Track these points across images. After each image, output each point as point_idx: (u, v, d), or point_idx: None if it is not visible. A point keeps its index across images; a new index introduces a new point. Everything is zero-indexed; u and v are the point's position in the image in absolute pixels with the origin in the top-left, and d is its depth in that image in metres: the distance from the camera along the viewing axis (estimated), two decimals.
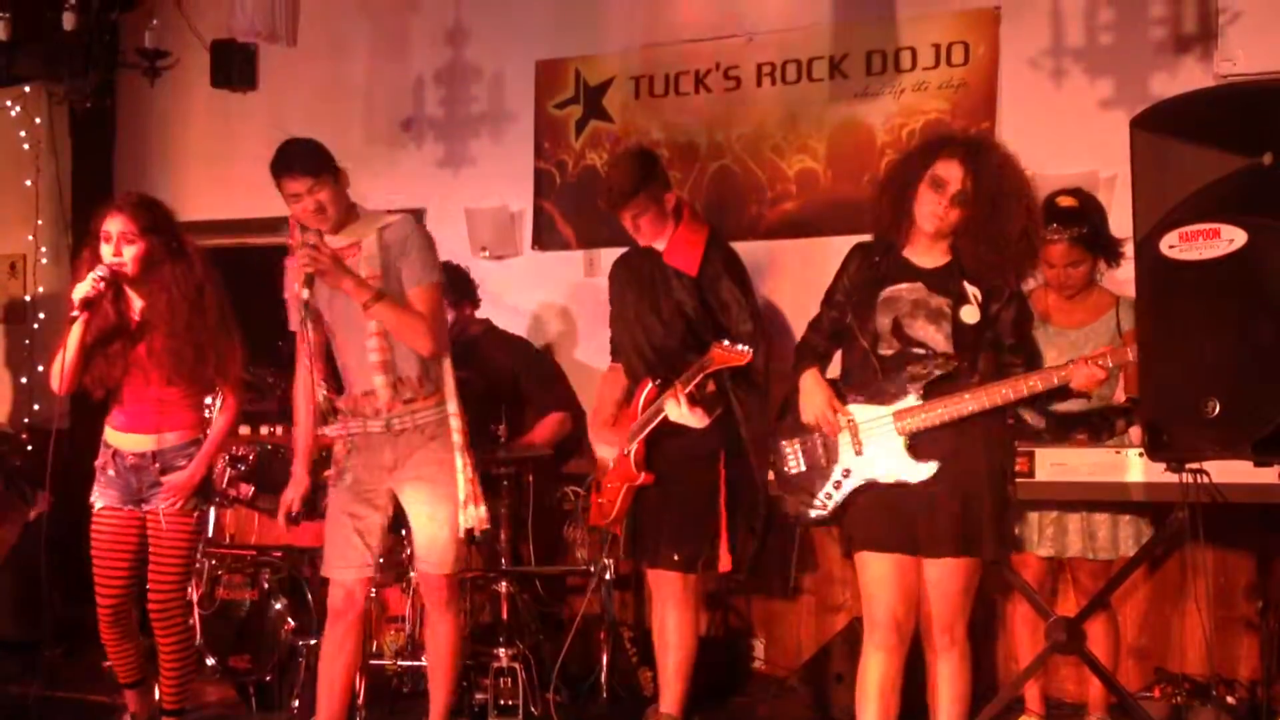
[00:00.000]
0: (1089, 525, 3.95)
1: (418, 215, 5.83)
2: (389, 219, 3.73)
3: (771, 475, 3.54)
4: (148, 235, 3.78)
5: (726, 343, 3.90)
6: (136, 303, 3.88)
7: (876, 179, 3.47)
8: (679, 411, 3.95)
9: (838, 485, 3.29)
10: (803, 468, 3.38)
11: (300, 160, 3.61)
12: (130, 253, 3.76)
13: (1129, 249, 3.97)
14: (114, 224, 3.77)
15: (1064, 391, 3.23)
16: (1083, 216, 3.97)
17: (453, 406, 3.73)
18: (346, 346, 3.74)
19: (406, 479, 3.72)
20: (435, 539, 3.73)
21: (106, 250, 3.77)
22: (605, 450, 4.27)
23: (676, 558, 4.04)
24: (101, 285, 3.73)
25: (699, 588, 4.17)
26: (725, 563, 4.09)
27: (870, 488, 3.26)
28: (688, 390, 3.93)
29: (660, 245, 4.15)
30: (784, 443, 3.43)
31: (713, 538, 4.08)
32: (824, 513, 3.32)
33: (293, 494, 3.83)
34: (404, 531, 4.31)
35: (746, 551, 4.13)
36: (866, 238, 3.47)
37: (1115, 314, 4.02)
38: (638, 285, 4.23)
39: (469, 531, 3.73)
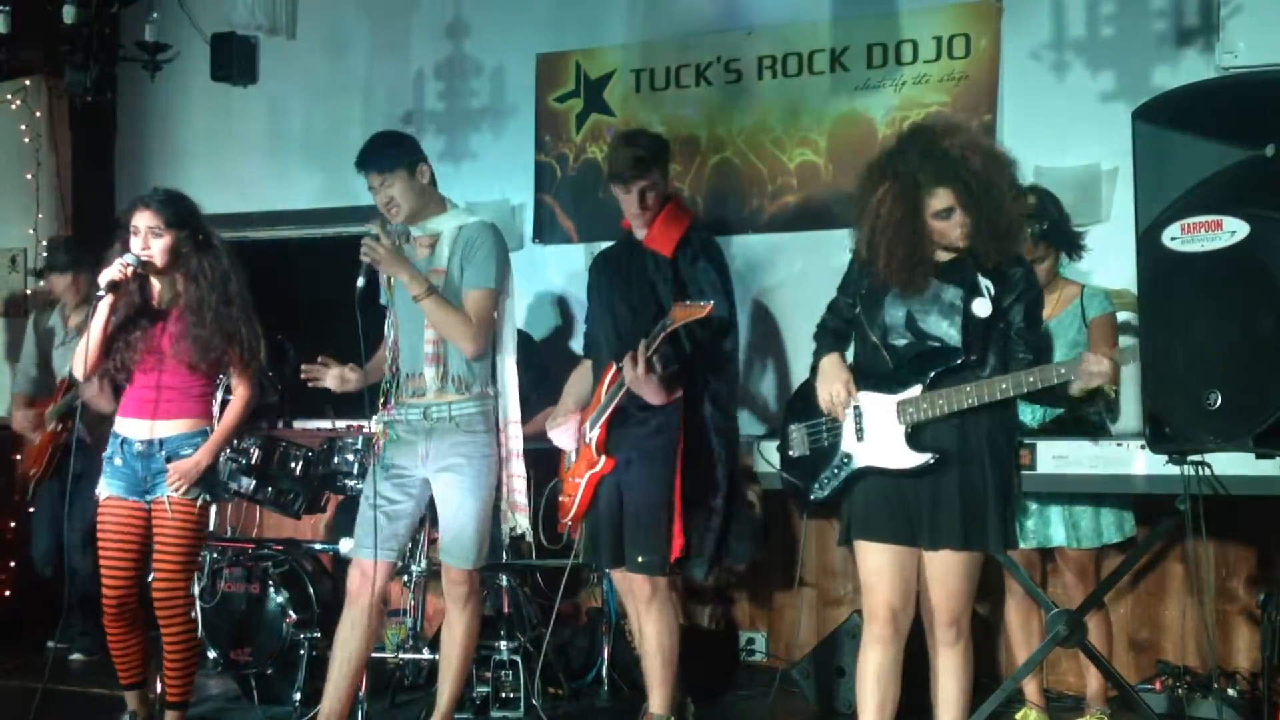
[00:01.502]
0: (1071, 515, 3.99)
1: None
2: (469, 218, 3.85)
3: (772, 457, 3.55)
4: (174, 229, 3.87)
5: (688, 301, 3.78)
6: (161, 293, 3.95)
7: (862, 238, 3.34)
8: (633, 374, 3.80)
9: (837, 471, 3.31)
10: (807, 452, 3.40)
11: (372, 156, 3.80)
12: (158, 246, 3.86)
13: (1088, 240, 4.05)
14: (141, 219, 3.86)
15: (1064, 390, 3.21)
16: (1043, 212, 3.99)
17: (514, 412, 3.85)
18: (406, 331, 3.83)
19: (436, 469, 3.79)
20: (460, 533, 3.77)
21: (135, 244, 3.86)
22: (560, 438, 4.19)
23: (641, 560, 3.91)
24: (128, 271, 3.81)
25: (669, 587, 4.03)
26: (675, 549, 3.89)
27: (868, 474, 3.26)
28: (648, 353, 3.79)
29: (641, 234, 4.12)
30: (791, 427, 3.45)
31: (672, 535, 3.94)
32: (823, 494, 3.34)
33: (338, 371, 3.87)
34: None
35: (706, 548, 3.96)
36: None
37: (1080, 304, 4.05)
38: (611, 275, 4.18)
39: (511, 533, 3.92)
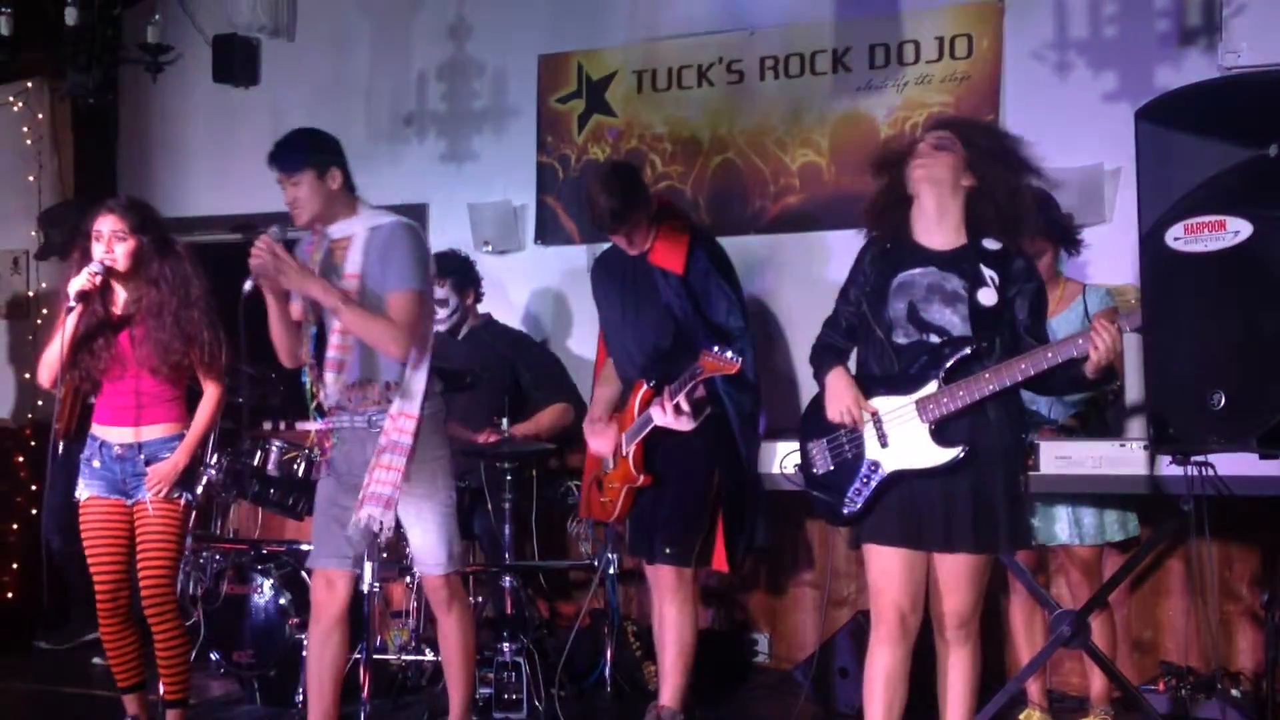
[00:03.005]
0: (1074, 513, 3.99)
1: (420, 210, 5.85)
2: (383, 219, 3.71)
3: (796, 474, 3.47)
4: (137, 234, 3.90)
5: (716, 349, 3.83)
6: (122, 299, 3.98)
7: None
8: (665, 419, 3.98)
9: (866, 480, 3.23)
10: (830, 467, 3.31)
11: (279, 152, 3.71)
12: (121, 250, 3.89)
13: (1091, 239, 4.05)
14: (105, 224, 3.89)
15: (1080, 372, 3.18)
16: (1041, 209, 3.98)
17: (410, 406, 3.62)
18: (330, 338, 3.75)
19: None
20: (424, 540, 3.74)
21: (98, 249, 3.88)
22: (598, 444, 4.26)
23: (669, 551, 4.06)
24: (97, 279, 3.85)
25: (695, 581, 4.18)
26: (720, 561, 4.17)
27: (897, 480, 3.20)
28: (674, 401, 3.93)
29: (644, 249, 4.15)
30: (811, 444, 3.37)
31: (706, 533, 4.13)
32: (856, 508, 3.26)
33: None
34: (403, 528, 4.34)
35: (737, 551, 4.18)
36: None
37: (1083, 301, 4.05)
38: (620, 287, 4.21)
39: (366, 525, 3.60)
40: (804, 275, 5.23)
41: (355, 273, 3.65)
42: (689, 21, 5.52)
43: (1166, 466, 3.28)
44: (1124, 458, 3.55)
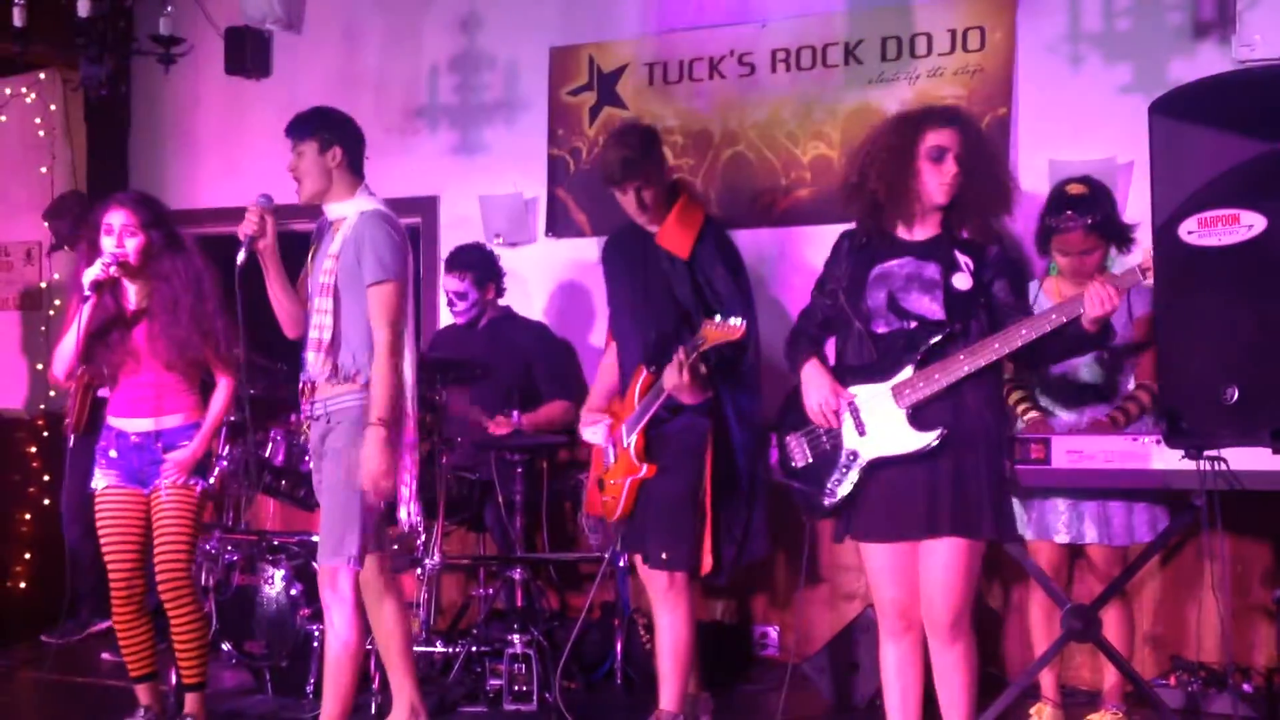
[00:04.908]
0: (1104, 512, 3.93)
1: (431, 202, 5.87)
2: (365, 207, 3.75)
3: (779, 469, 3.47)
4: (148, 229, 3.93)
5: (718, 319, 3.69)
6: (133, 293, 4.00)
7: (853, 165, 3.38)
8: (676, 379, 3.74)
9: (845, 470, 3.25)
10: (810, 459, 3.33)
11: (293, 120, 3.81)
12: (132, 245, 3.92)
13: (1140, 234, 4.01)
14: (115, 218, 3.92)
15: (1062, 337, 3.16)
16: (1095, 203, 3.95)
17: (410, 406, 3.70)
18: (311, 318, 3.80)
19: (321, 464, 3.77)
20: (324, 530, 3.73)
21: (109, 242, 3.90)
22: (590, 433, 4.15)
23: (664, 556, 3.91)
24: (111, 270, 3.87)
25: (689, 583, 3.99)
26: (706, 565, 3.97)
27: (877, 467, 3.21)
28: (690, 359, 3.72)
29: (654, 228, 4.06)
30: (789, 437, 3.38)
31: (699, 536, 3.95)
32: (835, 500, 3.28)
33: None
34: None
35: (728, 556, 3.99)
36: None
37: (1127, 299, 4.01)
38: (628, 269, 4.11)
39: (411, 526, 3.88)
40: (814, 269, 5.18)
41: (335, 253, 3.73)
42: (700, 14, 5.51)
43: (1179, 461, 3.26)
44: (1136, 451, 3.54)
